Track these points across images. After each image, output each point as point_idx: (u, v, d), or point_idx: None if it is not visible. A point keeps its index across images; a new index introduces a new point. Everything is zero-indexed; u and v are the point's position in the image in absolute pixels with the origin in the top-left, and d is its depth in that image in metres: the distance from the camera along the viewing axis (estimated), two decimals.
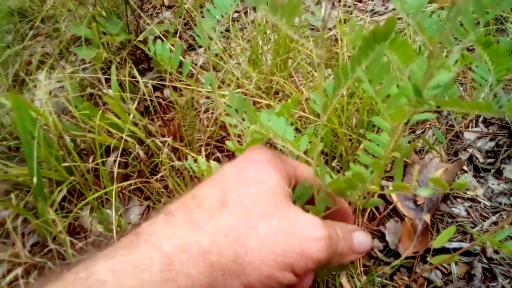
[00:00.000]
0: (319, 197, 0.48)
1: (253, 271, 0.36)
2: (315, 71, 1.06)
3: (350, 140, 0.86)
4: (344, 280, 0.74)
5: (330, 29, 1.29)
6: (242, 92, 0.99)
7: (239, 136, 0.86)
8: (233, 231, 0.38)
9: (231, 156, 0.97)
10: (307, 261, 0.38)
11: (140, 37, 1.05)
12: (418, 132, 1.00)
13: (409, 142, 0.92)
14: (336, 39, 1.26)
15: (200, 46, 1.26)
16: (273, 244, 0.38)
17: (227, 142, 0.64)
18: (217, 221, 0.39)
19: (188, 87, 1.00)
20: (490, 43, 0.53)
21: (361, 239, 0.47)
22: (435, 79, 0.46)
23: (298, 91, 1.04)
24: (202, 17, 0.58)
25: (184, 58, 1.25)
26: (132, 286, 0.30)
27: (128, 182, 0.88)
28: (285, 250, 0.38)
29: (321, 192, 0.48)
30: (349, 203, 0.62)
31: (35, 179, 0.79)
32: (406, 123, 0.47)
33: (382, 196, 0.87)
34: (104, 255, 0.33)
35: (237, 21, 1.35)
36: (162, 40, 0.59)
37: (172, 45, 1.05)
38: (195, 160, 0.64)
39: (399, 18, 1.02)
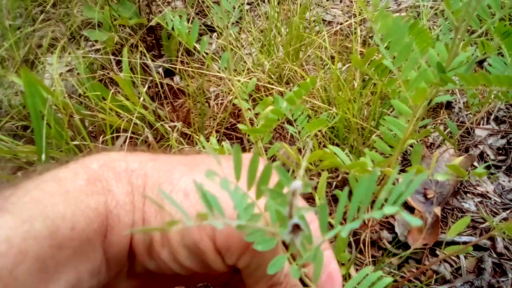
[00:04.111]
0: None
1: (170, 215, 0.32)
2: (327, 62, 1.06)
3: (362, 129, 0.85)
4: (352, 270, 0.73)
5: (341, 23, 1.29)
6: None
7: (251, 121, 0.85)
8: (168, 166, 0.34)
9: (240, 143, 0.96)
10: (232, 239, 0.31)
11: (153, 22, 1.04)
12: (428, 127, 0.99)
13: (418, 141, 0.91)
14: (348, 34, 1.26)
15: (213, 31, 1.25)
16: None
17: (239, 125, 0.63)
18: (159, 156, 0.36)
19: (200, 71, 1.00)
20: (510, 33, 0.53)
21: None
22: (459, 57, 0.45)
23: None
24: (215, 2, 0.58)
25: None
26: (54, 194, 0.29)
27: None
28: None
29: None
30: None
31: (43, 156, 0.78)
32: (428, 103, 0.47)
33: None
34: (35, 177, 0.32)
35: (250, 11, 1.35)
36: None
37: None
38: (207, 140, 0.63)
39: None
